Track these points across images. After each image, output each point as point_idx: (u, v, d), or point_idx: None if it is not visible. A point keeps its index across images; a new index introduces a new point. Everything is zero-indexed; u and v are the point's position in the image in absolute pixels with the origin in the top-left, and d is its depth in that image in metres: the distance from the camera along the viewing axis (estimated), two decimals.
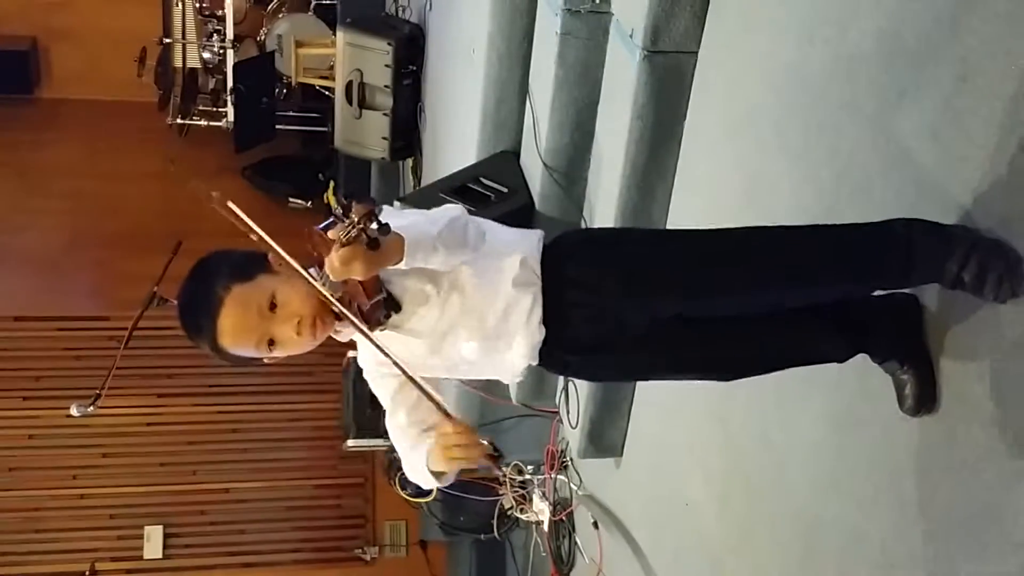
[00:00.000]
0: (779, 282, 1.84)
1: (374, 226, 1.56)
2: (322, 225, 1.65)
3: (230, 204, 1.59)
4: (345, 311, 1.72)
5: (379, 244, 1.58)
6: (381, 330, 1.76)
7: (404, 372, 1.80)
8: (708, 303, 1.90)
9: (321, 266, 1.68)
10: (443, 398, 1.95)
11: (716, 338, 1.97)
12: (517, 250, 1.90)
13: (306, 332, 1.80)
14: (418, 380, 1.80)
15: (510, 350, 1.93)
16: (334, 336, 1.90)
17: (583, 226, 3.62)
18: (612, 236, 2.00)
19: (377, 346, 1.78)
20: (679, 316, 1.93)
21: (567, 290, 1.90)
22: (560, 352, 1.99)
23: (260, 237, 1.65)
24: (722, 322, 1.94)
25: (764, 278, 1.85)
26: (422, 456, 1.90)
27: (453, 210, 1.83)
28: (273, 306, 1.78)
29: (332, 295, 1.72)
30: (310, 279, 1.68)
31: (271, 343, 1.81)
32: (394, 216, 1.84)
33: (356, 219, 1.55)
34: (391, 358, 1.78)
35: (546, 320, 1.91)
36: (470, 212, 1.91)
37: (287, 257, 1.67)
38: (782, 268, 1.83)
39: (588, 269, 1.90)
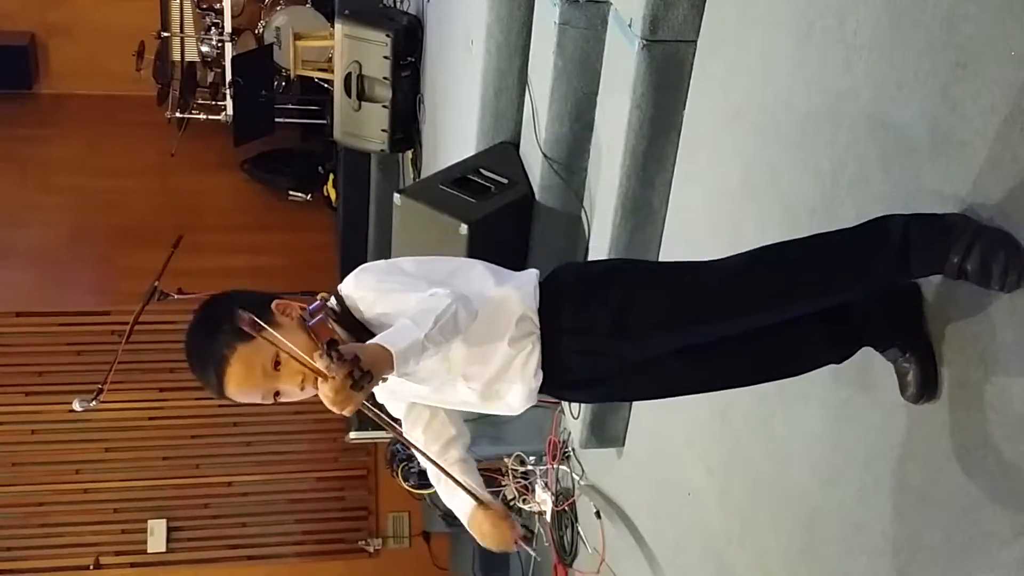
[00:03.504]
0: (777, 302, 1.85)
1: (357, 374, 1.60)
2: (311, 309, 1.68)
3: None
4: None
5: (362, 387, 1.61)
6: (385, 382, 1.78)
7: (415, 447, 2.02)
8: (705, 333, 1.92)
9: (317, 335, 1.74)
10: (455, 431, 2.10)
11: (712, 360, 1.99)
12: (513, 309, 1.91)
13: (310, 387, 1.82)
14: (442, 466, 2.01)
15: (508, 396, 1.98)
16: None
17: (583, 216, 3.62)
18: (603, 275, 2.00)
19: (383, 418, 1.87)
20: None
21: (563, 337, 1.93)
22: (559, 388, 2.05)
23: (271, 339, 1.70)
24: (718, 342, 1.95)
25: (761, 302, 1.86)
26: (462, 513, 2.09)
27: (439, 300, 1.79)
28: (277, 363, 1.80)
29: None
30: (309, 361, 1.68)
31: (277, 394, 1.85)
32: (384, 289, 1.88)
33: (340, 376, 1.58)
34: (395, 428, 1.96)
35: (544, 364, 1.94)
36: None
37: (293, 349, 1.69)
38: (779, 288, 1.85)
39: (581, 314, 1.92)
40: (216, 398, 1.86)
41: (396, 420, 2.08)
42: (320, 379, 1.61)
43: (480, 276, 1.99)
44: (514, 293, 1.94)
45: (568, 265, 2.11)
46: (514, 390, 1.96)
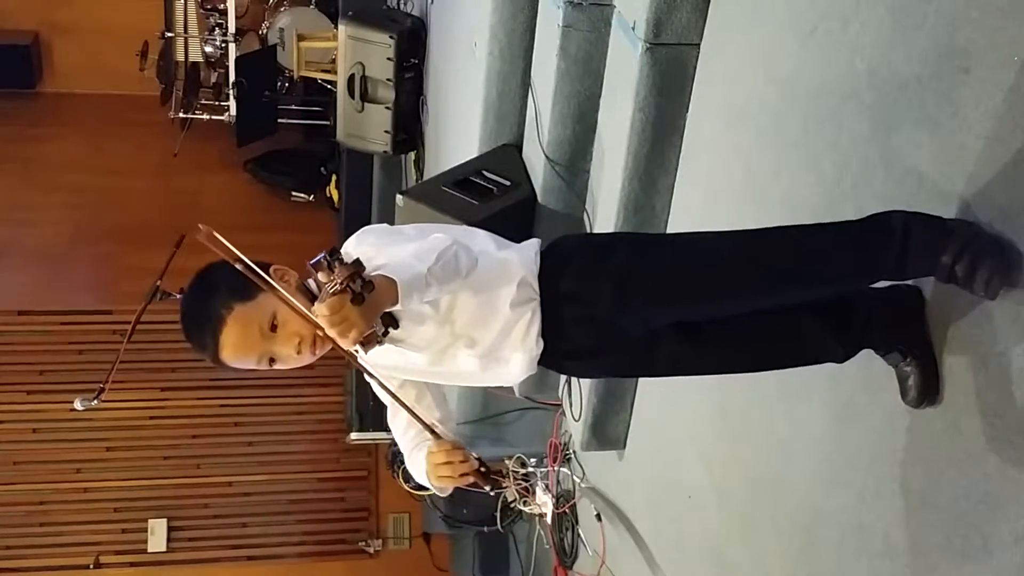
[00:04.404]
0: (776, 283, 1.84)
1: (358, 284, 1.58)
2: (314, 260, 1.66)
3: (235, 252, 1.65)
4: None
5: (363, 299, 1.59)
6: (381, 344, 1.77)
7: (392, 395, 1.91)
8: (704, 308, 1.91)
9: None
10: (440, 415, 2.02)
11: (713, 340, 1.97)
12: (514, 271, 1.91)
13: (306, 351, 1.83)
14: (406, 403, 1.89)
15: (509, 363, 1.97)
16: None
17: (585, 218, 3.63)
18: (606, 244, 2.01)
19: (366, 371, 1.85)
20: (677, 321, 1.94)
21: (564, 304, 1.92)
22: (559, 359, 2.02)
23: (263, 280, 1.69)
24: (720, 324, 1.95)
25: (761, 281, 1.85)
26: (422, 465, 1.97)
27: (441, 241, 1.82)
28: (274, 326, 1.80)
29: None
30: (308, 313, 1.69)
31: (271, 360, 1.85)
32: (383, 244, 1.87)
33: (339, 281, 1.56)
34: (380, 383, 1.89)
35: (544, 332, 1.93)
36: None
37: (284, 292, 1.70)
38: (778, 270, 1.84)
39: (582, 281, 1.91)
40: (210, 362, 1.84)
41: (382, 405, 2.05)
42: (321, 296, 1.58)
43: (482, 241, 2.00)
44: (515, 256, 1.94)
45: (571, 235, 2.10)
46: (515, 358, 1.95)
